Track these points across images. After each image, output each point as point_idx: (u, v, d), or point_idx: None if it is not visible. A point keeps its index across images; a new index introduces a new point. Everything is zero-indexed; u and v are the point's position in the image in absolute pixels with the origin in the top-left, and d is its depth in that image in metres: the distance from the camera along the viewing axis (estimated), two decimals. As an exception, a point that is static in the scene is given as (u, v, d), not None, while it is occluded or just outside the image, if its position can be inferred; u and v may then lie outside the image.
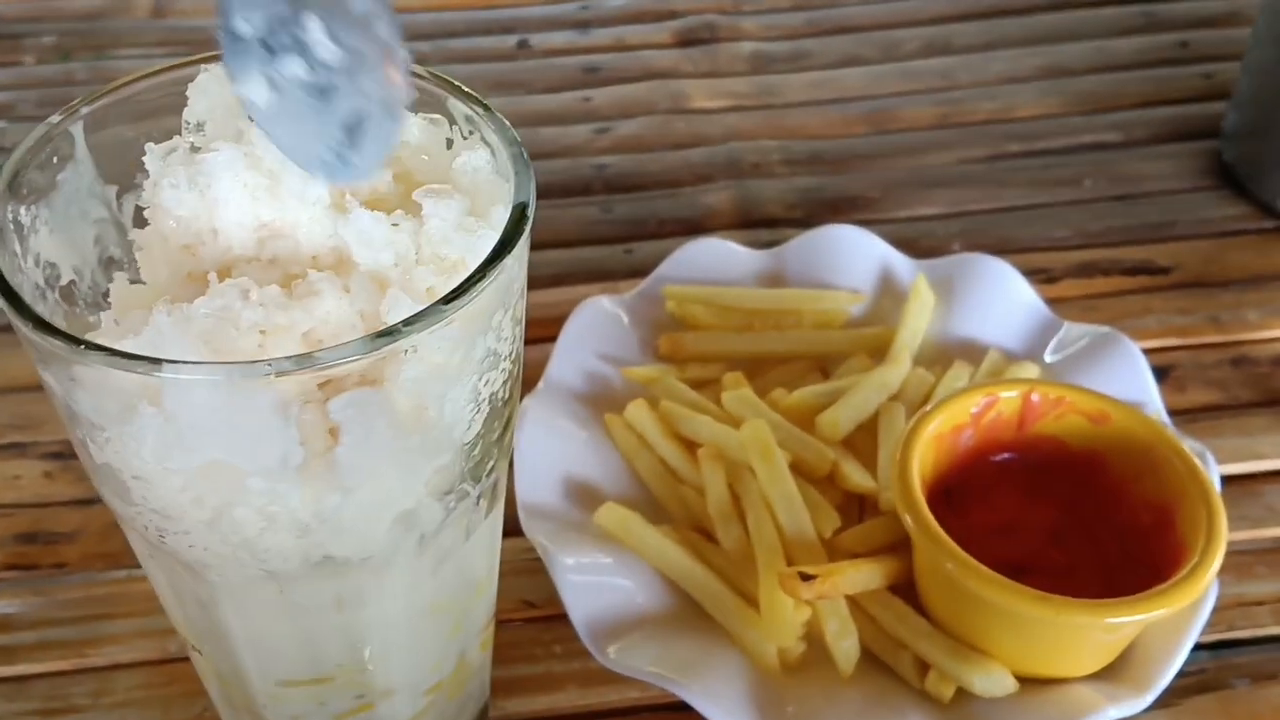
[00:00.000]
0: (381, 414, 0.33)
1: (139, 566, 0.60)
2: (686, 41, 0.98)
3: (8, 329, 0.74)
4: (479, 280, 0.33)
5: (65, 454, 0.66)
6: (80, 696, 0.56)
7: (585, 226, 0.82)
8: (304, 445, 0.32)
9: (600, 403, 0.64)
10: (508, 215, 0.36)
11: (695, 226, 0.81)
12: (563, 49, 0.97)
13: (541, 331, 0.66)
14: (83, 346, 0.31)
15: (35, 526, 0.63)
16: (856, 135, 0.89)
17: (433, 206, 0.36)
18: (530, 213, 0.36)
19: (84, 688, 0.56)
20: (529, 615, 0.58)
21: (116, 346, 0.31)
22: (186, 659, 0.56)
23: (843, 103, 0.92)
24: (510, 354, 0.38)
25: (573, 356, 0.66)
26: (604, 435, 0.63)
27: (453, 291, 0.33)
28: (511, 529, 0.53)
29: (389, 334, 0.32)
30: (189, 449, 0.33)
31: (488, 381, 0.37)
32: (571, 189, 0.85)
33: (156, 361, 0.30)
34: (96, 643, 0.58)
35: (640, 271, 0.74)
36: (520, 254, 0.36)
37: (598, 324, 0.67)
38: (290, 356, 0.31)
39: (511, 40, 0.97)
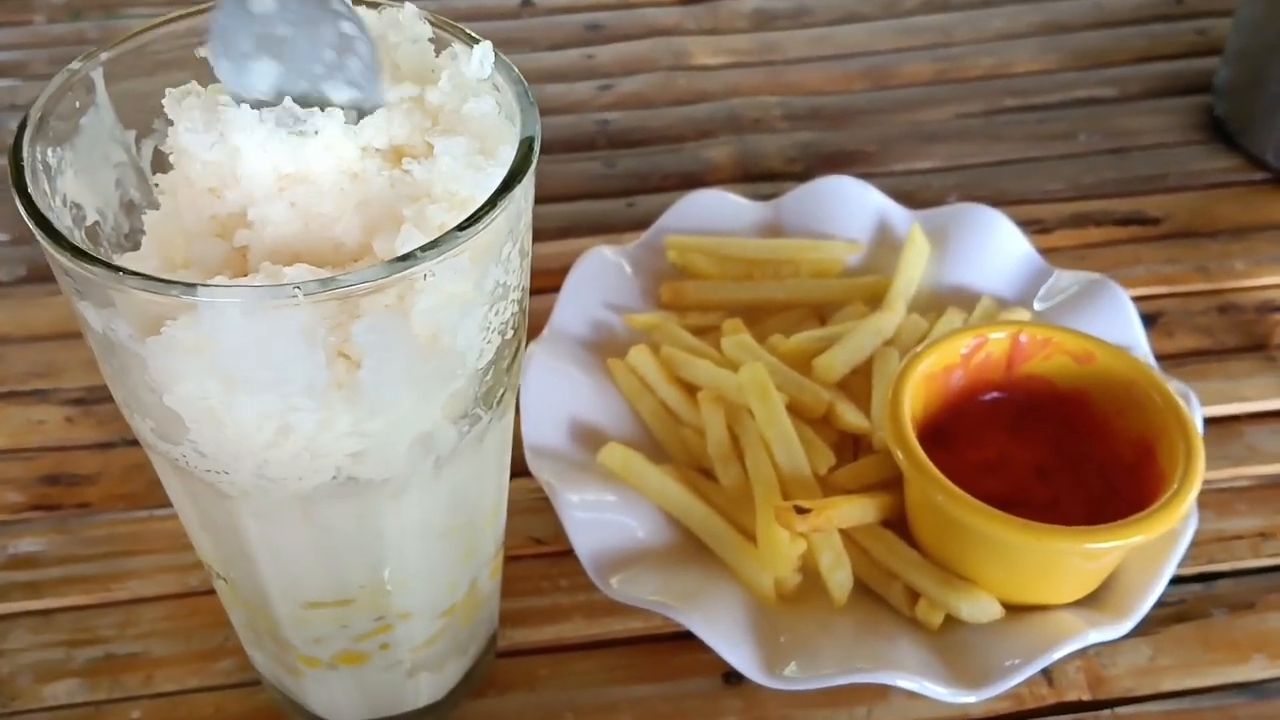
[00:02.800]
0: (401, 338, 0.35)
1: (160, 507, 0.63)
2: (688, -1, 1.00)
3: (27, 281, 0.77)
4: (490, 209, 0.35)
5: (85, 400, 0.68)
6: (105, 628, 0.58)
7: (588, 181, 0.83)
8: (329, 368, 0.34)
9: (603, 349, 0.66)
10: (514, 154, 0.38)
11: (697, 180, 0.83)
12: (566, 7, 0.99)
13: (546, 281, 0.67)
14: (121, 273, 0.33)
15: (58, 469, 0.65)
16: (856, 91, 0.91)
17: (444, 145, 0.38)
18: (536, 147, 0.38)
19: (109, 620, 0.58)
20: (536, 551, 0.61)
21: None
22: (208, 593, 0.58)
23: (842, 59, 0.94)
24: (518, 285, 0.40)
25: (577, 304, 0.68)
26: (607, 379, 0.65)
27: (466, 220, 0.35)
28: (519, 469, 0.55)
29: (407, 259, 0.34)
30: (223, 373, 0.35)
31: (498, 311, 0.39)
32: (575, 144, 0.86)
33: (191, 286, 0.32)
34: (120, 578, 0.60)
35: (642, 224, 0.75)
36: (527, 186, 0.38)
37: (601, 273, 0.69)
38: (316, 279, 0.33)
39: (515, -2, 0.99)
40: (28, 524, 0.62)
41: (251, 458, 0.37)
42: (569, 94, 0.91)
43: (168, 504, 0.62)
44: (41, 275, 0.76)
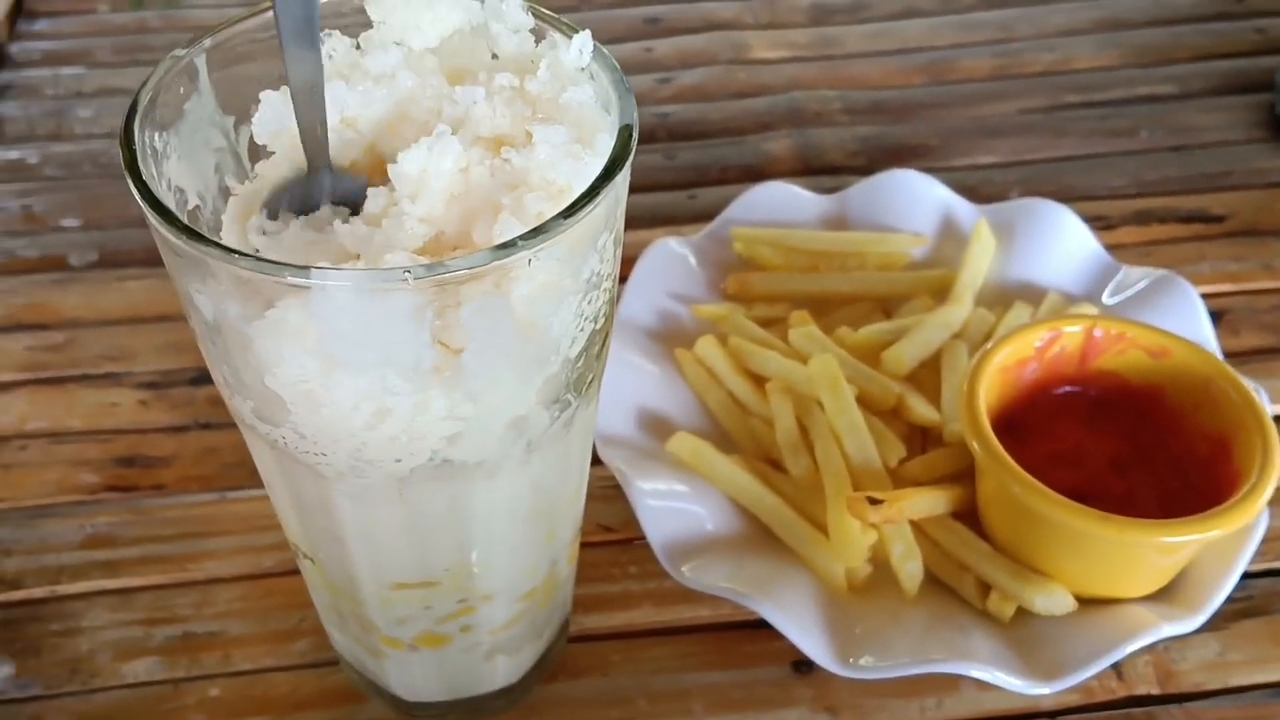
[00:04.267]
0: (504, 322, 0.36)
1: (233, 489, 0.64)
2: (747, -7, 1.00)
3: (98, 266, 0.78)
4: (593, 197, 0.36)
5: (159, 384, 0.69)
6: (183, 607, 0.59)
7: (649, 173, 0.84)
8: (433, 350, 0.35)
9: (670, 339, 0.67)
10: (611, 142, 0.38)
11: (757, 173, 0.83)
12: (624, 0, 0.99)
13: (612, 271, 0.68)
14: (236, 254, 0.34)
15: (133, 451, 0.66)
16: (916, 85, 0.91)
17: (542, 134, 0.38)
18: (635, 134, 0.38)
19: (186, 599, 0.59)
20: (606, 539, 0.61)
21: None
22: (283, 574, 0.59)
23: (902, 54, 0.94)
24: (610, 274, 0.41)
25: (643, 295, 0.68)
26: (675, 370, 0.65)
27: (569, 207, 0.35)
28: (588, 456, 0.56)
29: (510, 246, 0.34)
30: (326, 355, 0.35)
31: (591, 300, 0.39)
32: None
33: (304, 268, 0.33)
34: (196, 558, 0.61)
35: (703, 217, 0.76)
36: (626, 174, 0.38)
37: (667, 264, 0.70)
38: (424, 264, 0.33)
39: (575, -9, 1.00)
40: (104, 504, 0.64)
41: (350, 440, 0.38)
42: (629, 87, 0.91)
43: (241, 486, 0.64)
44: (112, 260, 0.78)
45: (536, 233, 0.35)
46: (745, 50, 0.94)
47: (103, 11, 1.01)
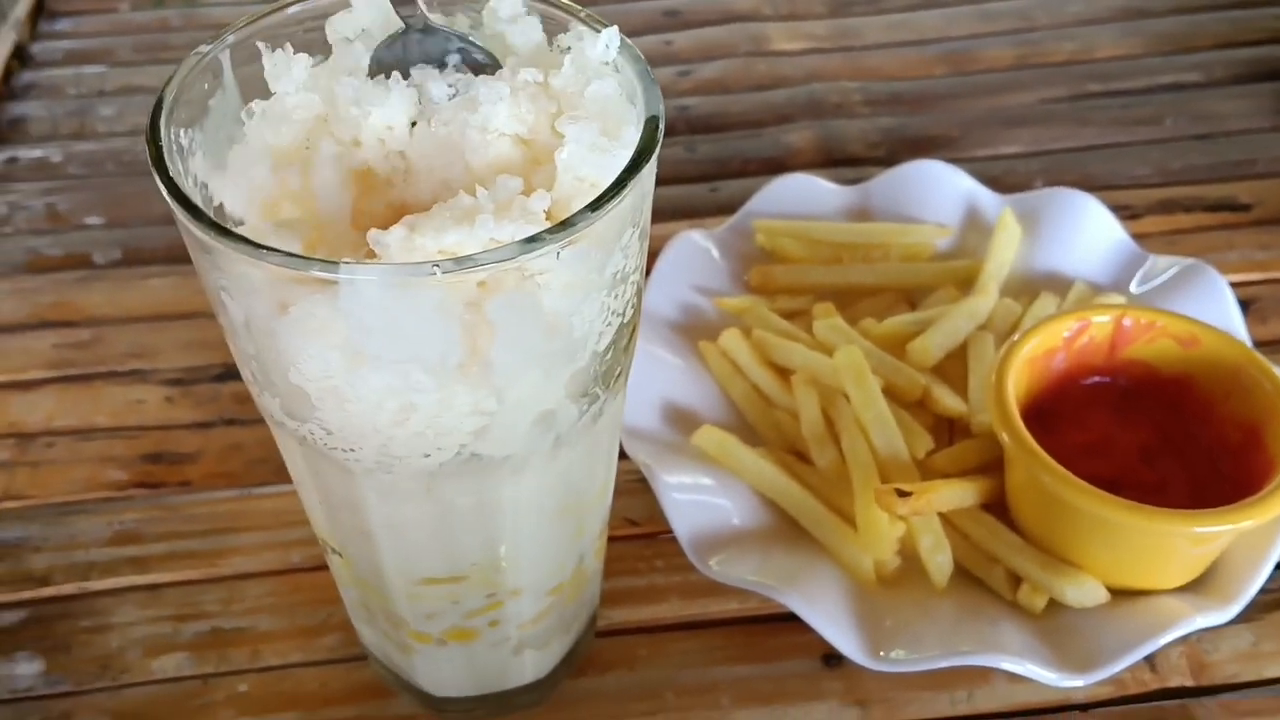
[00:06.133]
0: (531, 316, 0.35)
1: (259, 485, 0.64)
2: (766, -15, 1.00)
3: (122, 264, 0.78)
4: (620, 189, 0.35)
5: (185, 380, 0.69)
6: (211, 603, 0.59)
7: (671, 166, 0.84)
8: (461, 344, 0.35)
9: (694, 332, 0.67)
10: (637, 135, 0.38)
11: (778, 165, 0.83)
12: (644, -7, 0.99)
13: (635, 265, 0.68)
14: (264, 250, 0.33)
15: (159, 447, 0.66)
16: (936, 76, 0.90)
17: (574, 132, 0.38)
18: (662, 125, 0.38)
19: (214, 595, 0.59)
20: (631, 533, 0.61)
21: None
22: (311, 569, 0.60)
23: (921, 44, 0.93)
24: (638, 268, 0.40)
25: (667, 288, 0.68)
26: (699, 363, 0.65)
27: (596, 200, 0.35)
28: (614, 450, 0.56)
29: (537, 240, 0.34)
30: (353, 350, 0.35)
31: (617, 295, 0.39)
32: (656, 130, 0.86)
33: (333, 263, 0.33)
34: (223, 554, 0.61)
35: (725, 209, 0.75)
36: (653, 167, 0.38)
37: (690, 257, 0.70)
38: (452, 258, 0.33)
39: (593, -15, 0.99)
40: (131, 501, 0.64)
41: (376, 435, 0.38)
42: (649, 80, 0.91)
43: (267, 483, 0.64)
44: (136, 258, 0.78)
45: (563, 226, 0.35)
46: (764, 42, 0.94)
47: (124, 10, 1.02)
